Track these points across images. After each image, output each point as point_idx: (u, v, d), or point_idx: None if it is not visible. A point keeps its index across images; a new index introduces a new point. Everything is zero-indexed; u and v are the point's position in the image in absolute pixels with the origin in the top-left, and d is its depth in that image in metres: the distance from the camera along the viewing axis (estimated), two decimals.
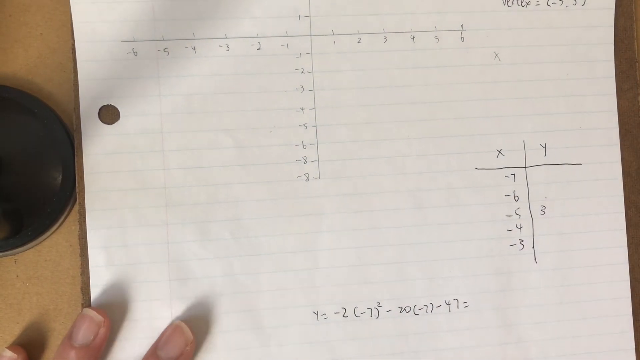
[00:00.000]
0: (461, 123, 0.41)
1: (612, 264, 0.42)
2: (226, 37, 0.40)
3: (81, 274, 0.39)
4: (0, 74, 0.40)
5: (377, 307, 0.40)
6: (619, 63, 0.43)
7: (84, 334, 0.36)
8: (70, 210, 0.39)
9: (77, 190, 0.39)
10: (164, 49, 0.39)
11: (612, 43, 0.43)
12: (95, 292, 0.38)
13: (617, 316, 0.42)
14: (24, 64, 0.40)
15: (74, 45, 0.39)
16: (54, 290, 0.39)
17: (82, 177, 0.38)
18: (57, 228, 0.39)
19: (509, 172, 0.41)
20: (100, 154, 0.39)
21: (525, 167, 0.42)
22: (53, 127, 0.39)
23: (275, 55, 0.40)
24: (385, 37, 0.41)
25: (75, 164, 0.39)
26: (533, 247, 0.41)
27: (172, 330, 0.38)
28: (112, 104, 0.39)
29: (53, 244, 0.39)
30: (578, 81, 0.42)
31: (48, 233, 0.39)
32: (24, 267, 0.39)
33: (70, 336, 0.37)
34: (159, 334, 0.38)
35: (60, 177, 0.39)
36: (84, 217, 0.38)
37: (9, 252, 0.39)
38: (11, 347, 0.38)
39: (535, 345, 0.41)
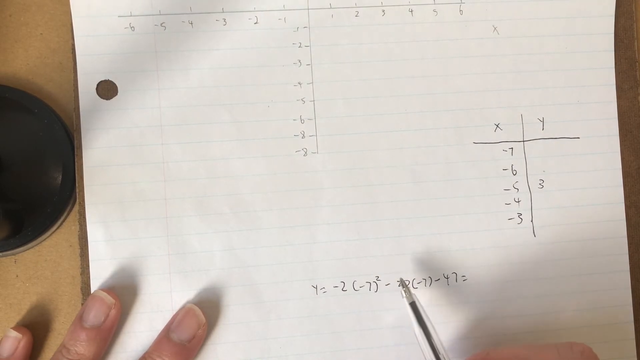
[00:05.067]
0: (459, 97, 0.41)
1: (611, 237, 0.42)
2: (223, 12, 0.40)
3: (81, 274, 0.39)
4: (0, 74, 0.40)
5: (376, 281, 0.40)
6: (619, 63, 0.42)
7: (95, 315, 0.37)
8: (70, 210, 0.39)
9: (77, 190, 0.39)
10: (161, 24, 0.39)
11: (613, 16, 0.42)
12: (94, 267, 0.38)
13: (616, 289, 0.42)
14: (24, 64, 0.40)
15: (73, 45, 0.39)
16: (54, 290, 0.39)
17: (82, 177, 0.39)
18: (57, 228, 0.39)
19: (506, 146, 0.41)
20: (99, 129, 0.39)
21: (523, 141, 0.42)
22: (53, 127, 0.39)
23: (273, 29, 0.40)
24: (383, 11, 0.41)
25: (75, 163, 0.39)
26: (531, 221, 0.41)
27: (184, 312, 0.38)
28: (110, 79, 0.39)
29: (53, 244, 0.39)
30: (577, 55, 0.42)
31: (48, 233, 0.39)
32: (24, 267, 0.39)
33: (81, 317, 0.37)
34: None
35: (60, 177, 0.39)
36: (84, 217, 0.38)
37: (9, 252, 0.39)
38: (16, 327, 0.39)
39: (534, 318, 0.41)
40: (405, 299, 0.37)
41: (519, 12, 0.42)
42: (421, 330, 0.36)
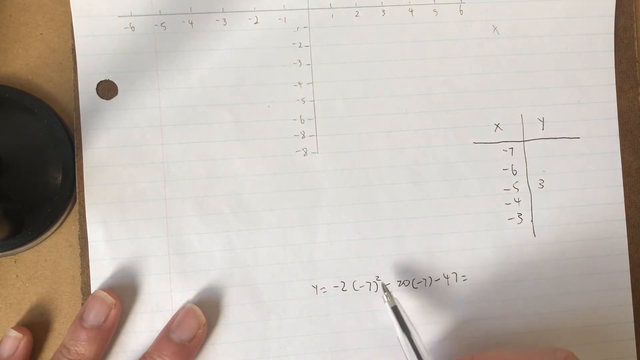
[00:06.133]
0: (459, 97, 0.41)
1: (611, 237, 0.42)
2: (223, 12, 0.40)
3: (81, 274, 0.39)
4: (0, 74, 0.40)
5: (376, 281, 0.40)
6: (619, 63, 0.42)
7: (95, 315, 0.37)
8: (70, 210, 0.39)
9: (77, 190, 0.39)
10: (161, 24, 0.39)
11: (613, 16, 0.42)
12: (94, 267, 0.38)
13: (616, 289, 0.42)
14: (24, 64, 0.40)
15: (74, 45, 0.39)
16: (54, 290, 0.39)
17: (82, 177, 0.39)
18: (57, 228, 0.39)
19: (506, 146, 0.41)
20: (99, 129, 0.39)
21: (523, 141, 0.42)
22: (53, 127, 0.39)
23: (273, 29, 0.40)
24: (383, 10, 0.41)
25: (75, 163, 0.39)
26: (532, 221, 0.41)
27: (184, 313, 0.38)
28: (110, 79, 0.39)
29: (53, 244, 0.39)
30: (577, 55, 0.42)
31: (48, 233, 0.39)
32: (24, 267, 0.39)
33: (81, 317, 0.37)
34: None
35: (60, 177, 0.39)
36: (84, 217, 0.38)
37: (9, 252, 0.39)
38: (17, 327, 0.39)
39: (535, 318, 0.41)
40: (387, 304, 0.37)
41: (519, 12, 0.42)
42: (404, 334, 0.36)
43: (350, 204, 0.40)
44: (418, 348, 0.36)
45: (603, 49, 0.42)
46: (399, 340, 0.36)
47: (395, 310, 0.37)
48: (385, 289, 0.38)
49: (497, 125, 0.41)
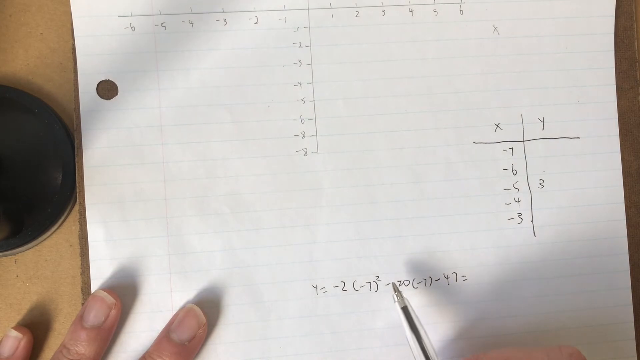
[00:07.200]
0: (459, 97, 0.41)
1: (610, 237, 0.42)
2: (223, 12, 0.40)
3: (81, 274, 0.39)
4: (0, 74, 0.40)
5: (376, 281, 0.40)
6: (619, 63, 0.42)
7: (95, 315, 0.37)
8: (71, 210, 0.39)
9: (77, 190, 0.39)
10: (161, 24, 0.39)
11: (613, 16, 0.42)
12: (94, 267, 0.38)
13: (616, 289, 0.42)
14: (24, 64, 0.40)
15: (74, 45, 0.39)
16: (54, 290, 0.39)
17: (82, 177, 0.39)
18: (57, 228, 0.39)
19: (507, 146, 0.41)
20: (99, 129, 0.39)
21: (524, 141, 0.42)
22: (53, 127, 0.39)
23: (273, 29, 0.40)
24: (383, 10, 0.41)
25: (76, 163, 0.39)
26: (532, 221, 0.41)
27: (184, 313, 0.38)
28: (110, 79, 0.39)
29: (53, 244, 0.39)
30: (576, 55, 0.42)
31: (48, 233, 0.39)
32: (24, 267, 0.39)
33: (81, 317, 0.37)
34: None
35: (60, 177, 0.39)
36: (84, 217, 0.38)
37: (9, 252, 0.39)
38: (17, 327, 0.39)
39: (534, 318, 0.41)
40: (397, 304, 0.37)
41: (519, 12, 0.42)
42: (413, 335, 0.36)
43: (350, 204, 0.40)
44: (427, 349, 0.36)
45: (603, 49, 0.42)
46: (408, 341, 0.36)
47: (405, 310, 0.37)
48: (395, 288, 0.38)
49: (497, 125, 0.41)
